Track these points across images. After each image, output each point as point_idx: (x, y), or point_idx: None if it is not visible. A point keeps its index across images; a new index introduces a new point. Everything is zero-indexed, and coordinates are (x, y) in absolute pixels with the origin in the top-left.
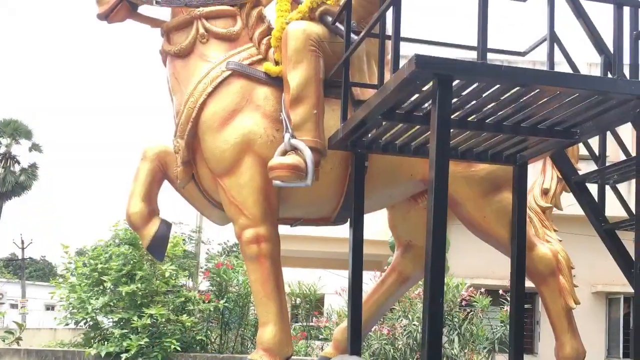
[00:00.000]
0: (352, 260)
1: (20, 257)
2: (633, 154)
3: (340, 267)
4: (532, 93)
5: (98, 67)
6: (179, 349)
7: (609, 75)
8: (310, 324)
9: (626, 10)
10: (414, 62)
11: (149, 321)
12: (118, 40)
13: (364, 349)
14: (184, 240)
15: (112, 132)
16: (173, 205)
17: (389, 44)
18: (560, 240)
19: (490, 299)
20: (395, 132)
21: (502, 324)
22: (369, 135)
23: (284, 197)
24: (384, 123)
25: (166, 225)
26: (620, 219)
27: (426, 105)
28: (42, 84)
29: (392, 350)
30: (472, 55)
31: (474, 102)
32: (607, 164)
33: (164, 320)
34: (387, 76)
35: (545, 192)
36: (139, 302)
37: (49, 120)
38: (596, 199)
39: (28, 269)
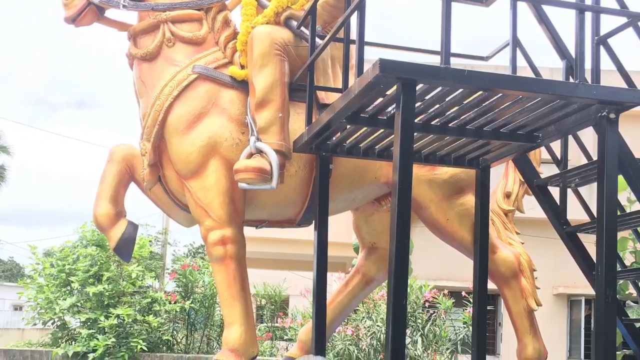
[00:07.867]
0: (316, 262)
1: None
2: (594, 157)
3: (304, 269)
4: (495, 97)
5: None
6: (145, 349)
7: (571, 80)
8: (275, 324)
9: (588, 15)
10: (378, 66)
11: (115, 321)
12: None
13: (328, 349)
14: (150, 241)
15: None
16: (140, 206)
17: (353, 48)
18: (523, 243)
19: (453, 300)
20: (359, 136)
21: (464, 326)
22: (334, 138)
23: (249, 199)
24: (348, 126)
25: (133, 227)
26: (582, 222)
27: (390, 109)
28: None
29: (355, 351)
30: (435, 60)
31: (437, 106)
32: (569, 168)
33: (130, 320)
34: (352, 80)
35: (507, 195)
36: (106, 303)
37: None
38: (558, 202)
39: None
